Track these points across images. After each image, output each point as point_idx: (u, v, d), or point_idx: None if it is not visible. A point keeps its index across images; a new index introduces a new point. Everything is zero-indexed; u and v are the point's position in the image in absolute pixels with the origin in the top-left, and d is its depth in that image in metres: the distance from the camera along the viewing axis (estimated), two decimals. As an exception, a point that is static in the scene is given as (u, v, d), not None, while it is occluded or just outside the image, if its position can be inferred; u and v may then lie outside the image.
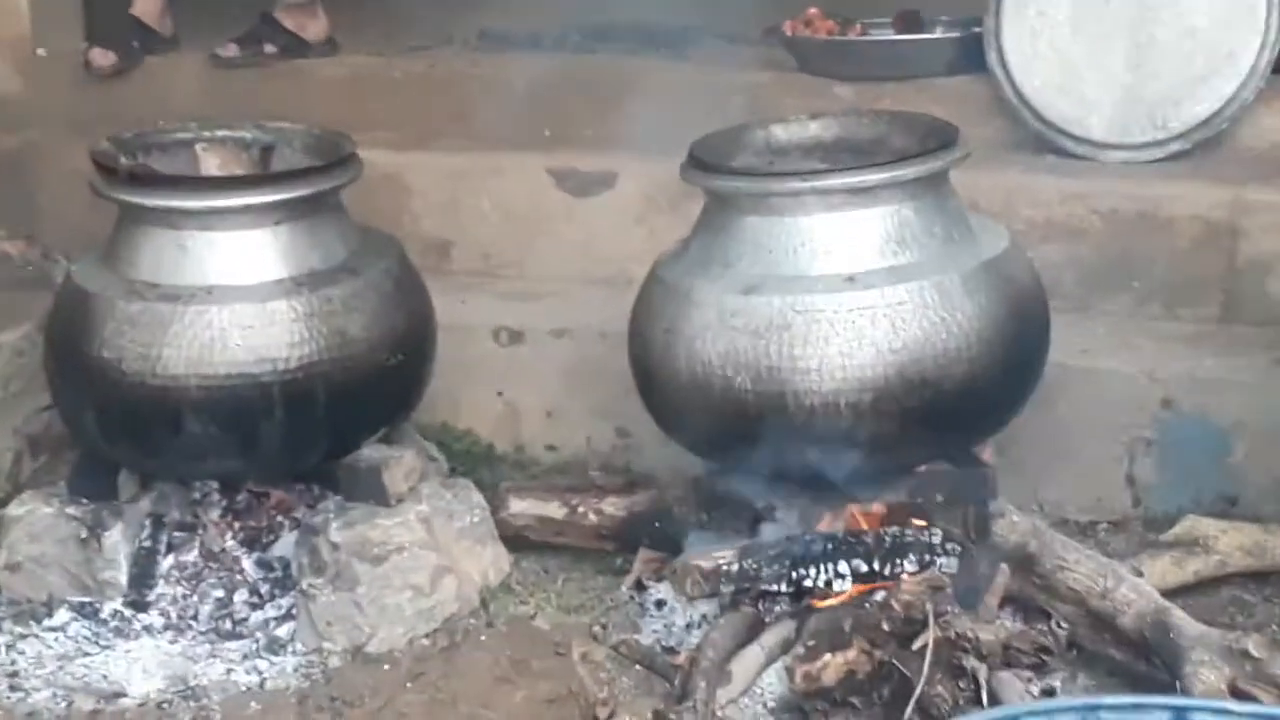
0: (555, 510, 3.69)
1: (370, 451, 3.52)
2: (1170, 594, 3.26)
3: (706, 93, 4.57)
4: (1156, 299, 3.97)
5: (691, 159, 3.34)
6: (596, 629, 3.43)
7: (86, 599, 3.49)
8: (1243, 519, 3.52)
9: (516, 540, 3.70)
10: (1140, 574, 3.25)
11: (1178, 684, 2.94)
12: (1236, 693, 2.87)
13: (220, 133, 3.73)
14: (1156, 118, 4.25)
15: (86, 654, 3.38)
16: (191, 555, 3.57)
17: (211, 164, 3.70)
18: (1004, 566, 3.22)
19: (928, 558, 3.22)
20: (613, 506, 3.65)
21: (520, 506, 3.71)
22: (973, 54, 4.42)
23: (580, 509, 3.67)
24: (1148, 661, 3.09)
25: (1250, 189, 4.01)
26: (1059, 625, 3.19)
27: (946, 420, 3.18)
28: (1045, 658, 2.96)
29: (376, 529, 3.41)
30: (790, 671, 3.04)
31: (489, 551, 3.62)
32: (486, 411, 4.19)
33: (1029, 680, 3.02)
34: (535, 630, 3.46)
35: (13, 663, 3.35)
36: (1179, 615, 3.06)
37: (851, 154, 3.46)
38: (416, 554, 3.42)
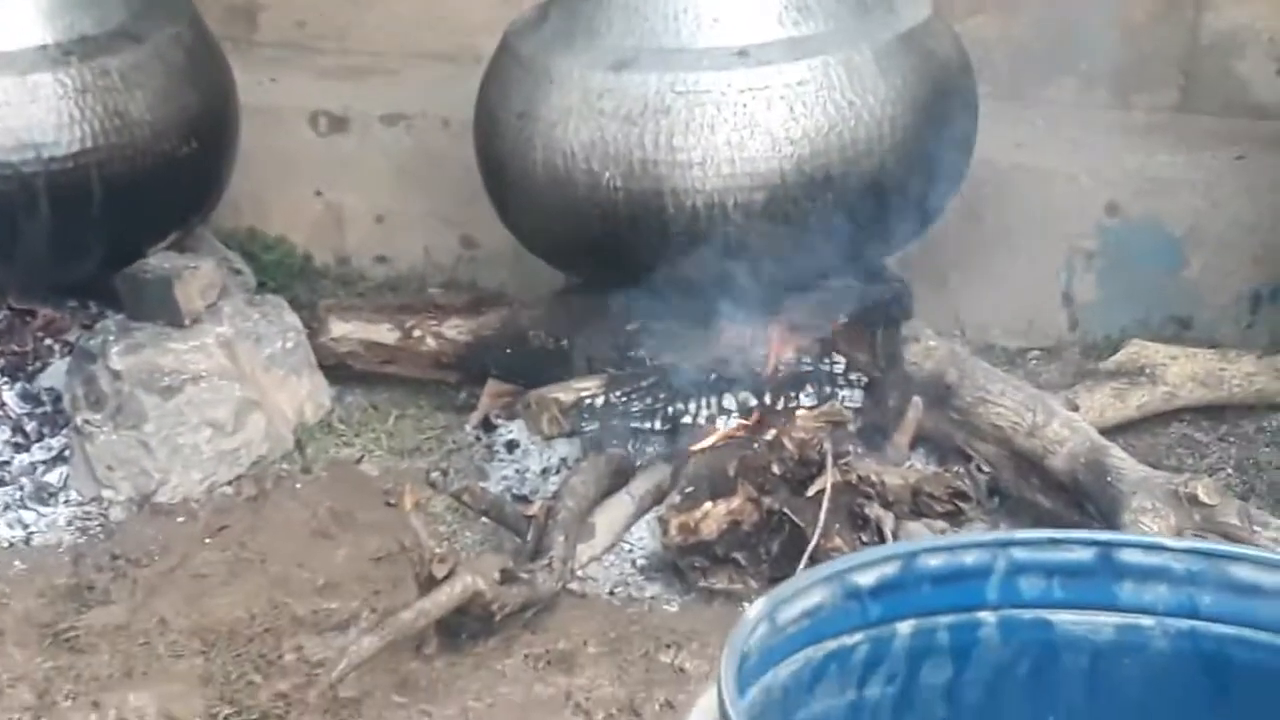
0: (386, 334, 3.66)
1: (158, 261, 3.47)
2: (1109, 431, 3.31)
3: None
4: (1104, 84, 3.98)
5: (550, -96, 3.27)
6: (434, 475, 3.42)
7: None
8: (1196, 343, 3.59)
9: (339, 370, 3.68)
10: (1075, 408, 3.29)
11: (1115, 535, 3.00)
12: (1181, 544, 2.94)
13: None
14: None
15: None
16: (-61, 386, 3.52)
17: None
18: (917, 399, 3.25)
19: (827, 389, 3.25)
20: (455, 330, 3.63)
21: (343, 329, 3.67)
22: None
23: (416, 333, 3.64)
24: (1081, 510, 3.15)
25: (1218, -48, 4.02)
26: (979, 468, 3.23)
27: (853, 226, 3.18)
28: (961, 505, 3.01)
29: (167, 354, 3.37)
30: (664, 523, 3.06)
31: (305, 383, 3.60)
32: (302, 215, 4.14)
33: (942, 532, 3.06)
34: (361, 476, 3.46)
35: None
36: (1118, 455, 3.11)
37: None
38: (216, 385, 3.39)
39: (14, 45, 3.27)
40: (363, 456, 3.52)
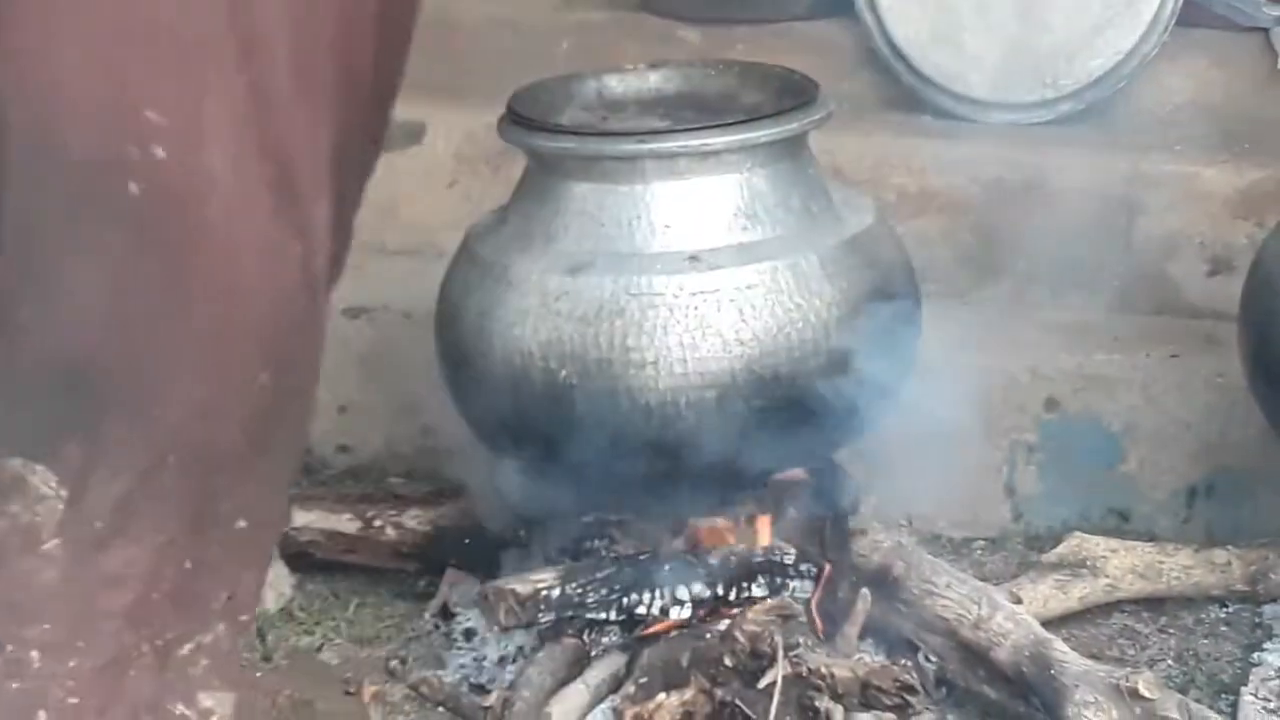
0: (347, 524, 3.66)
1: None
2: (1053, 623, 3.33)
3: (530, 34, 4.56)
4: (1042, 284, 4.04)
5: (510, 114, 3.33)
6: (394, 664, 3.42)
7: None
8: (1135, 536, 3.62)
9: (300, 559, 3.67)
10: (1019, 600, 3.31)
11: (1058, 727, 3.01)
12: (1123, 738, 2.95)
13: None
14: (1046, 74, 4.33)
15: None
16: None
17: None
18: (865, 591, 3.26)
19: (779, 580, 3.25)
20: (415, 520, 3.64)
21: (305, 519, 3.67)
22: (838, -6, 4.47)
23: (377, 522, 3.65)
24: (1026, 701, 3.15)
25: (1151, 158, 4.11)
26: (926, 659, 3.24)
27: (802, 423, 3.20)
28: (909, 698, 3.00)
29: (131, 545, 3.35)
30: (618, 714, 3.05)
31: (268, 572, 3.58)
32: (266, 405, 4.14)
33: (890, 724, 3.07)
34: (321, 665, 3.44)
35: None
36: (1061, 649, 3.12)
37: (697, 111, 3.46)
38: (179, 575, 3.37)
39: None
40: (323, 644, 3.50)
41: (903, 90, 4.43)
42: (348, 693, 3.31)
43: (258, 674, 3.38)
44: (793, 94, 3.35)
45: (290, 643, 3.49)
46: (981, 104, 4.37)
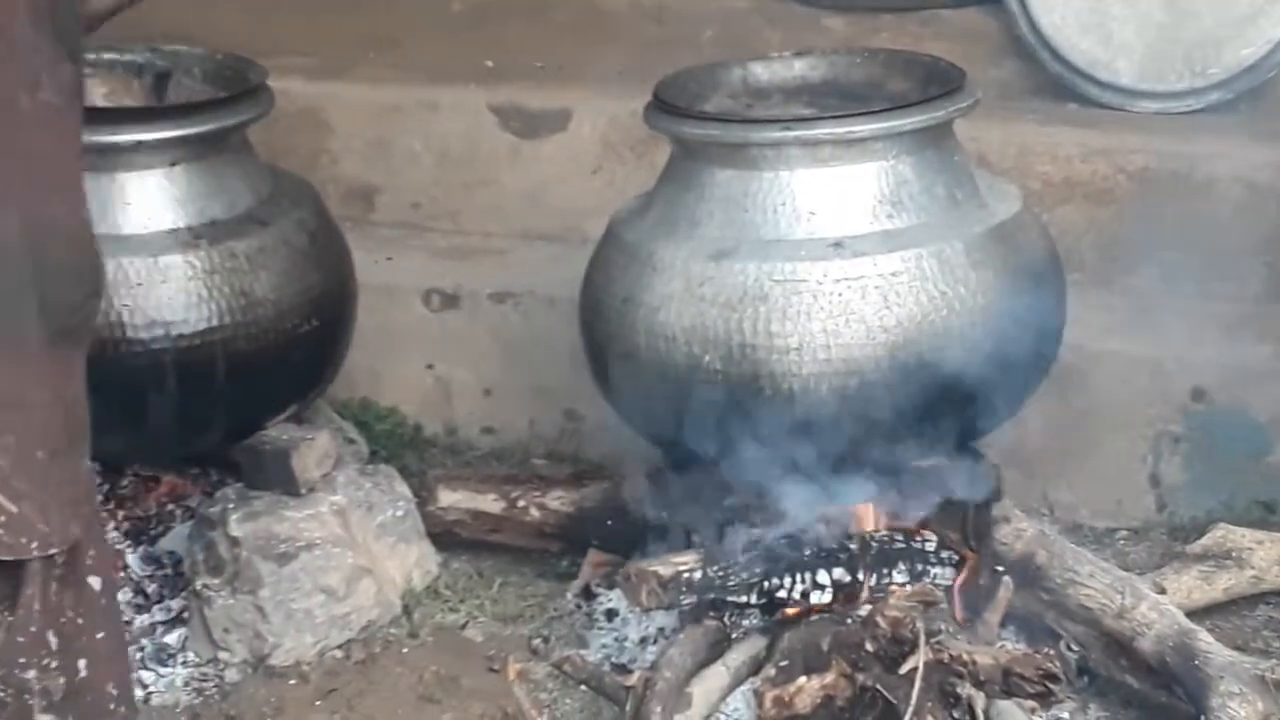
0: (491, 504, 3.70)
1: (277, 432, 3.52)
2: (1197, 614, 3.29)
3: (677, 22, 4.58)
4: (1190, 274, 3.99)
5: (656, 101, 3.34)
6: (536, 642, 3.45)
7: (-58, 597, 3.50)
8: (1281, 529, 3.57)
9: (446, 538, 3.71)
10: (1163, 590, 3.28)
11: (1202, 718, 2.98)
12: (1269, 730, 2.92)
13: (107, 55, 3.71)
14: (1195, 62, 4.28)
15: (-58, 662, 3.38)
16: (67, 548, 3.57)
17: (97, 93, 3.68)
18: (1007, 579, 3.25)
19: (920, 567, 3.25)
20: (558, 501, 3.67)
21: (451, 499, 3.71)
22: (985, -17, 4.44)
23: (520, 503, 3.68)
24: (1169, 691, 3.13)
25: (1301, 147, 4.05)
26: (1068, 648, 3.23)
27: (945, 410, 3.20)
28: (1052, 686, 2.99)
29: (283, 522, 3.41)
30: (759, 695, 3.05)
31: (414, 550, 3.64)
32: (414, 387, 4.20)
33: (1032, 711, 3.04)
34: (466, 642, 3.48)
35: None
36: (1205, 639, 3.10)
37: (842, 99, 3.47)
38: (329, 552, 3.43)
39: (148, 229, 3.35)
40: (467, 622, 3.54)
41: (1049, 78, 4.40)
42: (492, 670, 3.35)
43: (404, 650, 3.43)
44: (938, 82, 3.34)
45: (436, 620, 3.54)
46: (1128, 92, 4.33)
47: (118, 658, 2.57)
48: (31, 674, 2.42)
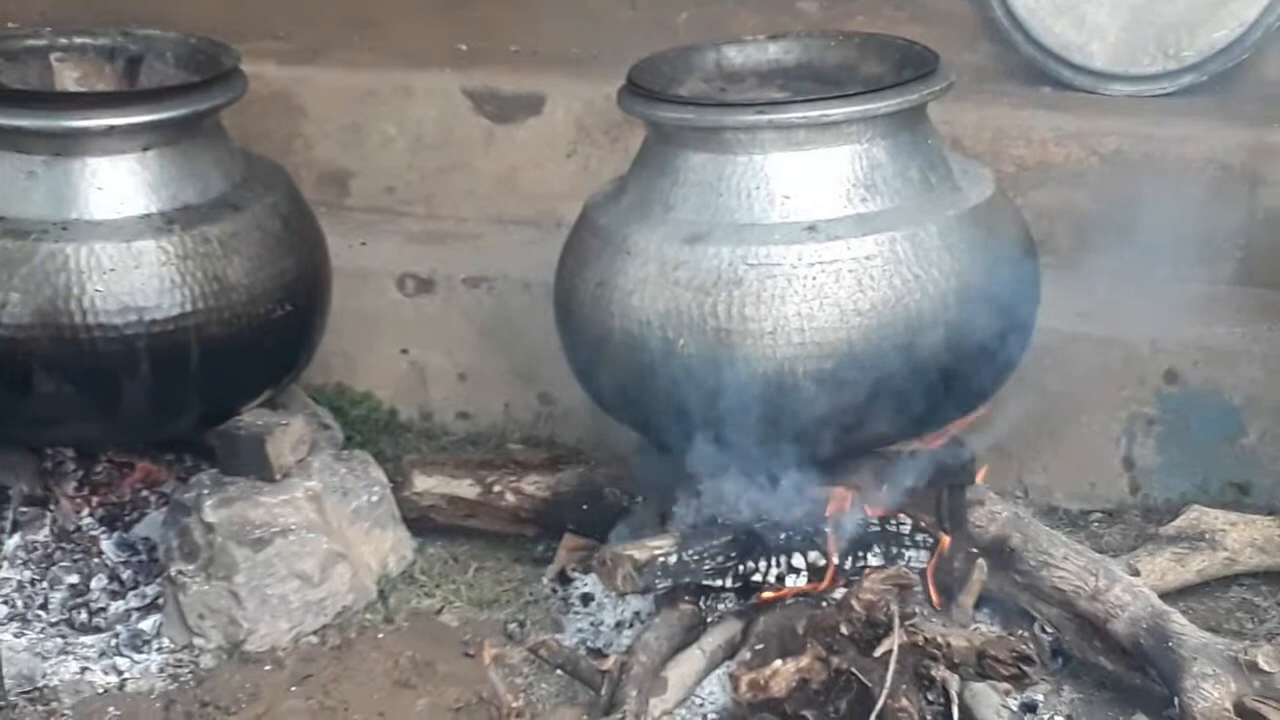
0: (467, 489, 3.69)
1: (252, 418, 3.51)
2: (1170, 595, 3.31)
3: (651, 5, 4.57)
4: (1163, 256, 3.99)
5: (630, 85, 3.34)
6: (512, 627, 3.45)
7: (-84, 584, 3.49)
8: (1255, 510, 3.58)
9: (422, 523, 3.71)
10: (1136, 572, 3.29)
11: (1176, 700, 2.99)
12: (1242, 711, 2.92)
13: (79, 40, 3.70)
14: (1168, 45, 4.28)
15: (-85, 649, 3.37)
16: (41, 534, 3.57)
17: (69, 77, 3.67)
18: (981, 562, 3.26)
19: (894, 550, 3.26)
20: (533, 485, 3.67)
21: (426, 484, 3.71)
22: (959, -34, 4.44)
23: (496, 488, 3.68)
24: (1143, 673, 3.14)
25: (1273, 130, 4.06)
26: (1042, 630, 3.23)
27: (919, 393, 3.20)
28: (1026, 668, 2.99)
29: (258, 508, 3.41)
30: (734, 679, 3.06)
31: (389, 536, 3.63)
32: (389, 372, 4.19)
33: (1007, 693, 3.06)
34: (441, 627, 3.48)
35: None
36: (1179, 620, 3.11)
37: (816, 82, 3.47)
38: (304, 537, 3.42)
39: (120, 214, 3.33)
40: (443, 607, 3.54)
41: (1023, 61, 4.40)
42: (467, 655, 3.35)
43: (379, 635, 3.43)
44: (913, 65, 3.34)
45: (411, 605, 3.54)
46: (1102, 75, 4.33)
47: None
48: None
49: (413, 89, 4.52)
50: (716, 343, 3.15)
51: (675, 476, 3.39)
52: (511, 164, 4.44)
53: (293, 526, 3.41)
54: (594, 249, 3.33)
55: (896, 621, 2.98)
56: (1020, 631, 3.13)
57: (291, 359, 3.62)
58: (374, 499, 3.61)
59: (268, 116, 4.40)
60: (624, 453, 3.61)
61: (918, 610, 3.08)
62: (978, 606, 3.27)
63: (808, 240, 3.14)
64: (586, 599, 3.50)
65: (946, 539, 3.28)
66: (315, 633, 3.42)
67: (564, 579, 3.57)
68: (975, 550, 3.30)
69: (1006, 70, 4.42)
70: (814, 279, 3.12)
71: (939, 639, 2.99)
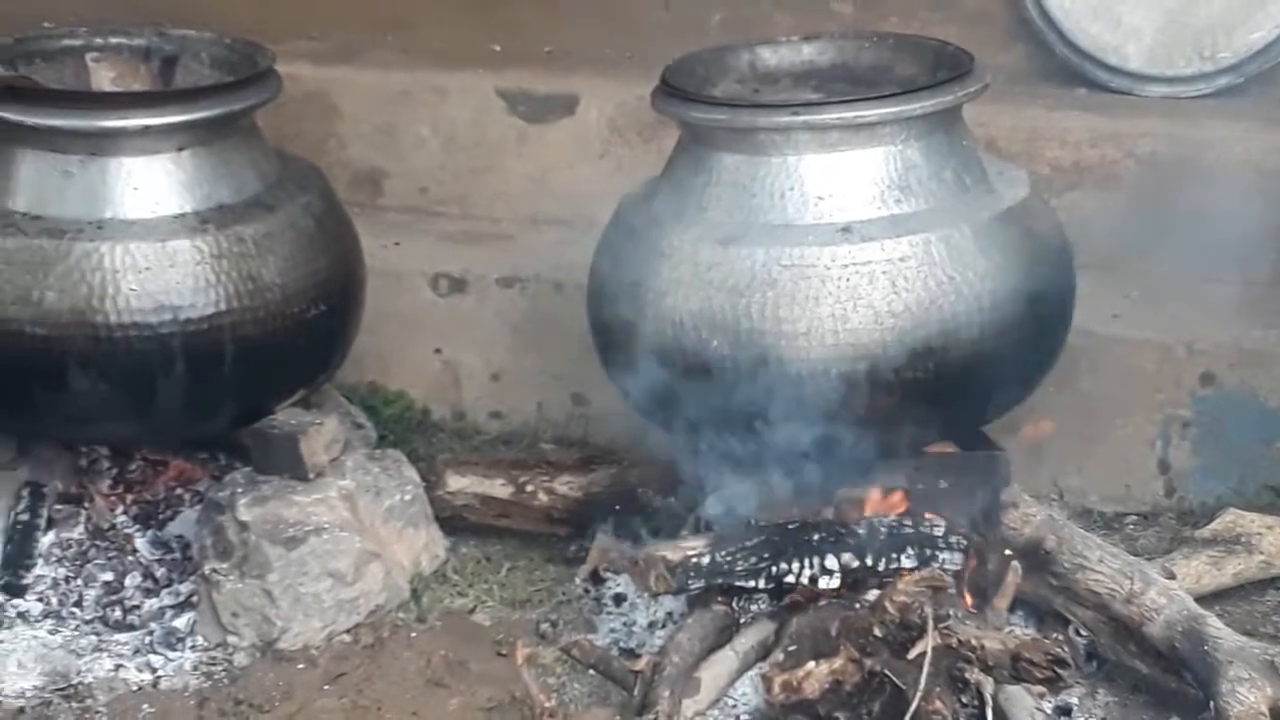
0: (500, 488, 3.69)
1: (286, 417, 3.52)
2: (1206, 599, 3.29)
3: (684, 6, 4.56)
4: (1199, 258, 3.98)
5: (664, 85, 3.33)
6: (545, 626, 3.45)
7: (-49, 581, 3.50)
8: (1291, 514, 3.56)
9: (454, 522, 3.71)
10: (1172, 575, 3.27)
11: (1211, 704, 2.97)
12: (1278, 715, 2.90)
13: (115, 40, 3.71)
14: (1204, 46, 4.26)
15: (-50, 645, 3.38)
16: (76, 532, 3.58)
17: (104, 77, 3.68)
18: (1015, 564, 3.24)
19: (928, 553, 3.24)
20: (566, 485, 3.66)
21: (459, 483, 3.71)
22: (994, -33, 4.43)
23: (529, 487, 3.68)
24: (1178, 677, 3.12)
25: (1311, 132, 4.04)
26: (1077, 633, 3.22)
27: (953, 395, 3.19)
28: (1060, 671, 2.98)
29: (292, 507, 3.41)
30: (767, 680, 3.05)
31: (422, 535, 3.64)
32: (422, 372, 4.19)
33: (1041, 696, 3.04)
34: (474, 626, 3.48)
35: None
36: (1214, 624, 3.09)
37: (850, 83, 3.46)
38: (337, 536, 3.43)
39: (155, 214, 3.34)
40: (476, 607, 3.54)
41: (1057, 63, 4.38)
42: (500, 654, 3.35)
43: (412, 634, 3.43)
44: (947, 66, 3.33)
45: (444, 604, 3.54)
46: (1138, 77, 4.32)
47: None
48: None
49: (446, 89, 4.52)
50: (750, 344, 3.15)
51: (708, 477, 3.39)
52: (544, 164, 4.45)
53: (326, 525, 3.42)
54: (627, 250, 3.33)
55: (930, 623, 2.97)
56: (1055, 634, 3.12)
57: (325, 358, 3.62)
58: (407, 498, 3.61)
59: (302, 117, 4.41)
60: (657, 453, 3.60)
61: (952, 612, 3.07)
62: (1012, 609, 3.26)
63: (842, 242, 3.14)
64: (619, 599, 3.50)
65: (981, 541, 3.27)
66: (348, 631, 3.42)
67: (597, 579, 3.57)
68: (1010, 552, 3.28)
69: (1041, 72, 4.41)
70: (848, 280, 3.12)
71: (973, 641, 2.98)
